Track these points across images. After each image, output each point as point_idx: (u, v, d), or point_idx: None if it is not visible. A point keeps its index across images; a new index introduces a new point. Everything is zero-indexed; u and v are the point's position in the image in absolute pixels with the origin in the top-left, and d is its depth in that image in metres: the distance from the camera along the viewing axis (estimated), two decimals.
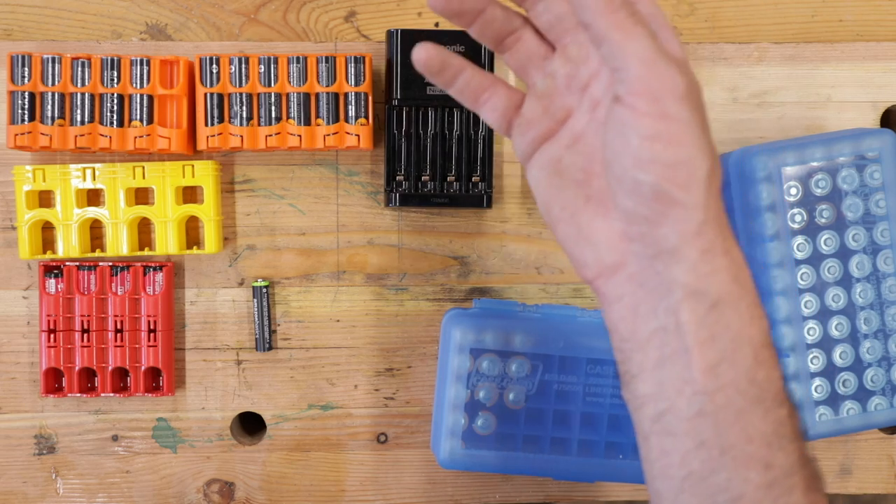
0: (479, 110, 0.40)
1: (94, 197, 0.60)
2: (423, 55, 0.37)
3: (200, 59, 0.57)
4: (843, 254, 0.55)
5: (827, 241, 0.55)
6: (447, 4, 0.37)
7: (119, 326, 0.59)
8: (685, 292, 0.34)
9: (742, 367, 0.34)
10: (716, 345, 0.34)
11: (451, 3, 0.37)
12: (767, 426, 0.34)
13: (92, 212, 0.58)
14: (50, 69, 0.56)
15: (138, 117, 0.57)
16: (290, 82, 0.57)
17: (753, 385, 0.34)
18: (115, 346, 0.59)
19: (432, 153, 0.59)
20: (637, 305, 0.35)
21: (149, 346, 0.59)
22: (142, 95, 0.57)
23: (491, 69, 0.58)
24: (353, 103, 0.58)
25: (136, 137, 0.57)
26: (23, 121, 0.56)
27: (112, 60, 0.57)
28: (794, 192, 0.55)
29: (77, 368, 0.59)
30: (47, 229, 0.60)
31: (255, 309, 0.60)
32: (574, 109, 0.38)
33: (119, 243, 0.58)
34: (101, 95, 0.57)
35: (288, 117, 0.58)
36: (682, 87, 0.32)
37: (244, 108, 0.57)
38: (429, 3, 0.37)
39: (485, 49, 0.58)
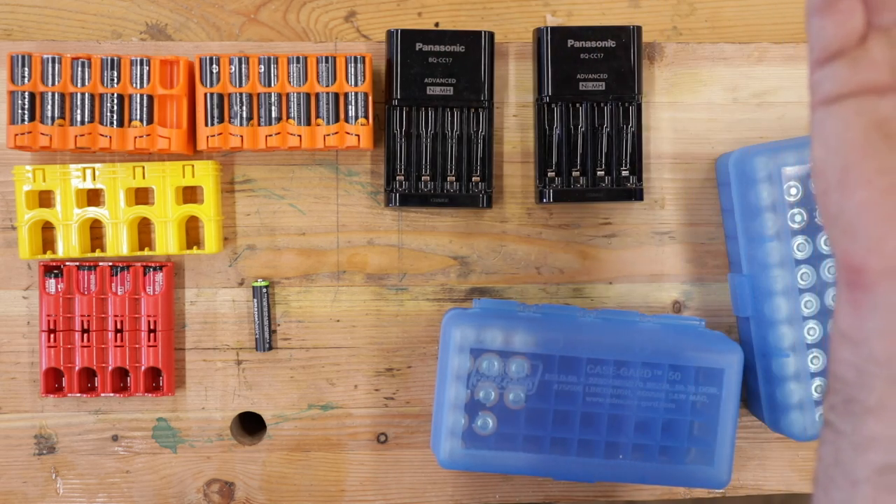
0: (830, 8, 0.31)
1: (94, 197, 0.60)
2: None
3: (200, 59, 0.57)
4: None
5: (827, 241, 0.55)
6: None
7: (119, 326, 0.59)
8: None
9: None
10: None
11: None
12: None
13: (92, 212, 0.58)
14: (50, 69, 0.56)
15: (138, 117, 0.57)
16: (290, 82, 0.57)
17: None
18: (115, 346, 0.59)
19: (432, 153, 0.59)
20: None
21: (149, 346, 0.59)
22: (142, 95, 0.57)
23: (491, 70, 0.58)
24: (353, 103, 0.58)
25: (136, 137, 0.57)
26: (23, 121, 0.56)
27: (112, 60, 0.57)
28: (794, 192, 0.55)
29: (77, 368, 0.59)
30: (47, 229, 0.60)
31: (255, 309, 0.60)
32: None
33: (119, 243, 0.58)
34: (101, 95, 0.57)
35: (288, 117, 0.58)
36: None
37: (244, 108, 0.57)
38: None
39: (485, 50, 0.58)
